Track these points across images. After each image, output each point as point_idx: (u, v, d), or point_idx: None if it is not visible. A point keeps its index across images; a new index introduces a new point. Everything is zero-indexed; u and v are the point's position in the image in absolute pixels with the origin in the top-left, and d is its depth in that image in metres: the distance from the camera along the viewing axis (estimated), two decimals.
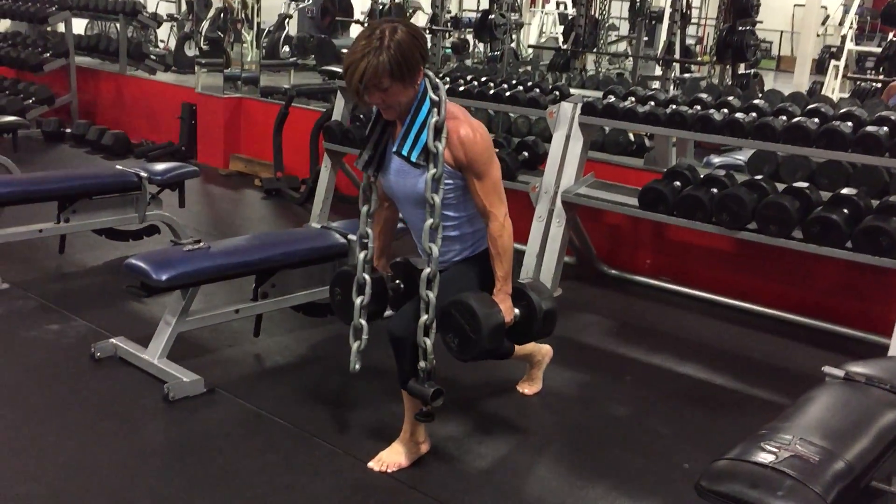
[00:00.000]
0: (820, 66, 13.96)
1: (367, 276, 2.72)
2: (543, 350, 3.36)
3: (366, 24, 9.45)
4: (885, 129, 3.68)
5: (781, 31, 22.09)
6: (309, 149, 6.25)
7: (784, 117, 3.94)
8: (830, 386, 2.54)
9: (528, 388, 3.39)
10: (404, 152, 2.55)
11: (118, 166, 4.86)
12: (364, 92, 2.46)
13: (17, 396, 3.16)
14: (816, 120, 3.84)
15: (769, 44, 22.28)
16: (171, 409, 3.11)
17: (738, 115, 3.97)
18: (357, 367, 2.75)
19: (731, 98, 4.19)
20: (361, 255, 2.73)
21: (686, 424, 3.24)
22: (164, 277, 3.20)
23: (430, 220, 2.57)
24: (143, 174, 4.74)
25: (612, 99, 4.45)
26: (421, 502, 2.63)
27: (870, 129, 3.66)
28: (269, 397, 3.23)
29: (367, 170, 2.69)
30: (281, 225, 5.86)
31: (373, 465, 2.78)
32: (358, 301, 2.72)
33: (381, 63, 2.40)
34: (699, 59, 15.88)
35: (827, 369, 2.65)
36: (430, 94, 2.55)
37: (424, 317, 2.57)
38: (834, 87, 13.31)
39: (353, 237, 3.71)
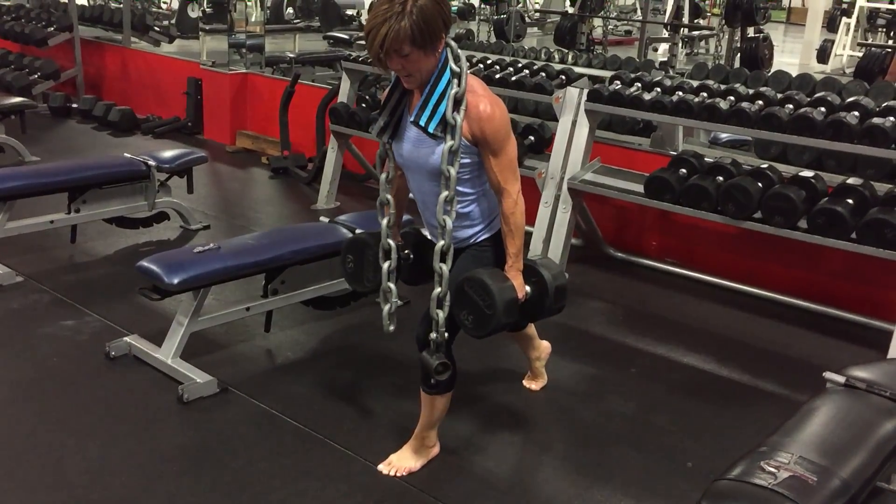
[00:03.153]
0: (831, 23, 13.80)
1: (391, 242, 2.74)
2: (542, 347, 3.41)
3: None
4: (892, 119, 3.67)
5: None
6: (315, 126, 6.26)
7: (790, 106, 3.93)
8: (831, 395, 2.59)
9: (533, 384, 3.45)
10: (422, 122, 2.52)
11: (127, 154, 4.89)
12: (384, 57, 2.42)
13: (36, 398, 3.24)
14: (823, 109, 3.84)
15: None
16: (185, 411, 3.18)
17: (745, 104, 3.97)
18: (391, 328, 2.78)
19: (737, 85, 4.18)
20: (384, 222, 2.74)
21: (691, 419, 3.30)
22: (175, 281, 3.26)
23: (444, 193, 2.55)
24: (152, 162, 4.79)
25: (618, 85, 4.44)
26: None
27: (876, 120, 3.65)
28: (281, 396, 3.30)
29: (381, 136, 2.67)
30: (289, 207, 5.89)
31: (382, 468, 2.85)
32: (385, 266, 2.74)
33: (403, 28, 2.36)
34: (709, 13, 15.71)
35: (828, 375, 2.69)
36: (451, 64, 2.51)
37: (438, 289, 2.59)
38: (845, 44, 13.19)
39: (360, 232, 3.77)
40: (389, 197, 2.76)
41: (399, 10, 2.36)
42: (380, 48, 2.39)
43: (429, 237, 2.88)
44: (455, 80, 2.51)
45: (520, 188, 2.63)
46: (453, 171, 2.53)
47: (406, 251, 2.91)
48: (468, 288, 2.61)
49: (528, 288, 2.71)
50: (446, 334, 2.65)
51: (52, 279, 4.29)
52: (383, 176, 2.77)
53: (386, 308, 2.76)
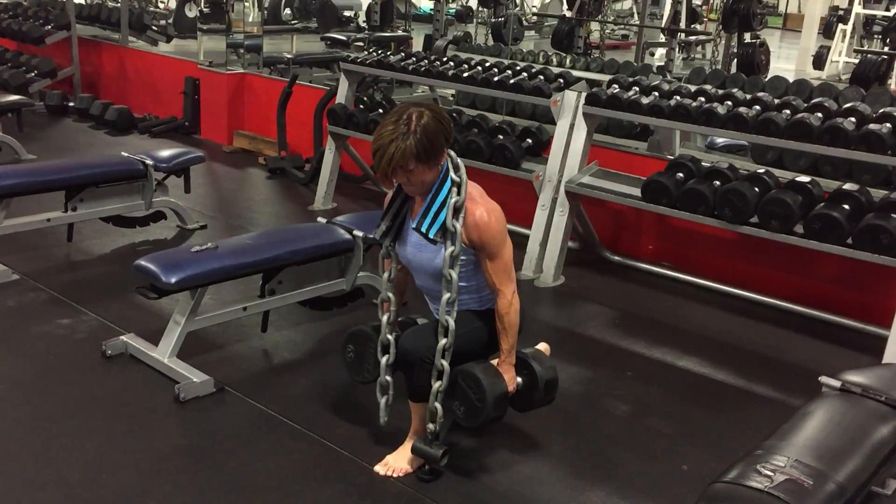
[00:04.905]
0: (827, 29, 13.84)
1: (390, 338, 2.85)
2: (540, 348, 3.41)
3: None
4: (888, 125, 3.69)
5: None
6: (313, 127, 6.26)
7: (788, 111, 3.95)
8: (826, 399, 2.60)
9: None
10: (423, 229, 2.69)
11: (124, 153, 4.89)
12: (391, 174, 2.62)
13: (32, 396, 3.24)
14: (820, 115, 3.85)
15: (776, 0, 22.01)
16: (182, 410, 3.18)
17: (742, 109, 3.98)
18: (386, 419, 2.90)
19: (735, 90, 4.19)
20: (384, 318, 2.87)
21: (686, 423, 3.31)
22: (173, 280, 3.26)
23: (447, 295, 2.69)
24: (149, 162, 4.78)
25: (616, 89, 4.45)
26: None
27: (872, 126, 3.67)
28: (278, 396, 3.30)
29: (384, 240, 2.83)
30: (286, 207, 5.90)
31: (379, 469, 2.86)
32: (384, 360, 2.86)
33: (408, 147, 2.55)
34: (706, 18, 15.76)
35: (823, 380, 2.71)
36: (452, 174, 2.68)
37: (437, 383, 2.71)
38: (841, 50, 13.22)
39: (358, 233, 3.78)
40: (390, 295, 2.89)
41: (404, 130, 2.56)
42: (388, 166, 2.57)
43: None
44: (455, 189, 2.67)
45: (514, 288, 2.78)
46: (454, 275, 2.69)
47: None
48: (461, 380, 2.74)
49: (519, 380, 2.85)
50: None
51: (49, 277, 4.28)
52: (385, 275, 2.90)
53: (383, 401, 2.89)
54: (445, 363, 2.70)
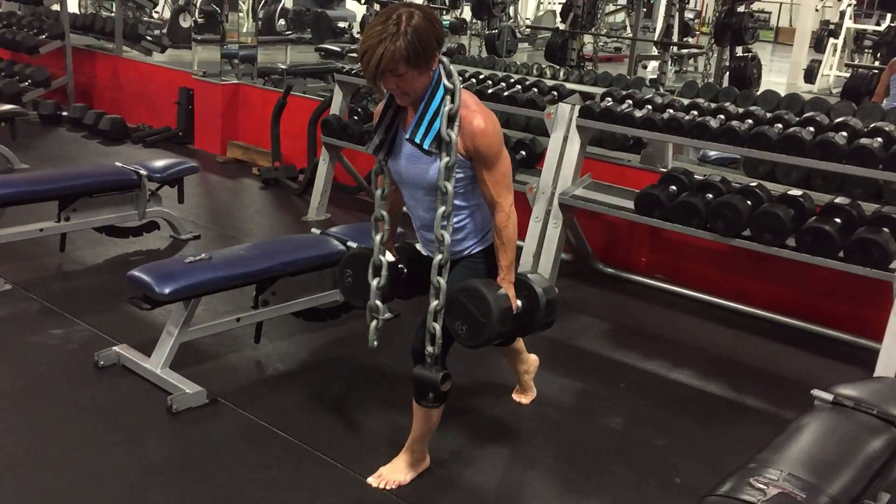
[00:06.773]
0: (818, 44, 13.93)
1: (383, 259, 2.76)
2: (530, 360, 3.42)
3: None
4: (879, 140, 3.71)
5: (780, 2, 21.96)
6: (307, 138, 6.27)
7: (780, 125, 3.97)
8: (819, 412, 2.61)
9: (523, 398, 3.45)
10: (417, 139, 2.56)
11: (117, 163, 4.89)
12: (379, 77, 2.46)
13: (23, 407, 3.22)
14: (811, 129, 3.88)
15: (768, 14, 22.15)
16: (174, 421, 3.17)
17: (734, 122, 4.00)
18: (375, 343, 2.80)
19: (727, 104, 4.21)
20: (377, 238, 2.77)
21: (679, 435, 3.32)
22: (166, 291, 3.25)
23: (442, 208, 2.58)
24: (143, 172, 4.78)
25: (609, 102, 4.47)
26: None
27: (864, 140, 3.70)
28: (271, 408, 3.29)
29: (377, 154, 2.70)
30: (280, 218, 5.89)
31: (372, 480, 2.85)
32: (374, 283, 2.76)
33: (398, 49, 2.39)
34: (698, 31, 15.84)
35: (816, 393, 2.71)
36: (445, 81, 2.55)
37: (434, 302, 2.61)
38: (832, 64, 13.31)
39: (352, 244, 3.78)
40: (384, 213, 2.79)
41: (394, 30, 2.40)
42: (375, 69, 2.42)
43: (423, 252, 2.91)
44: (448, 97, 2.55)
45: (513, 201, 2.67)
46: (450, 187, 2.57)
47: (401, 265, 2.93)
48: (463, 297, 2.63)
49: (519, 302, 2.74)
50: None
51: (41, 287, 4.27)
52: (378, 192, 2.80)
53: (372, 325, 2.80)
54: (442, 280, 2.60)
